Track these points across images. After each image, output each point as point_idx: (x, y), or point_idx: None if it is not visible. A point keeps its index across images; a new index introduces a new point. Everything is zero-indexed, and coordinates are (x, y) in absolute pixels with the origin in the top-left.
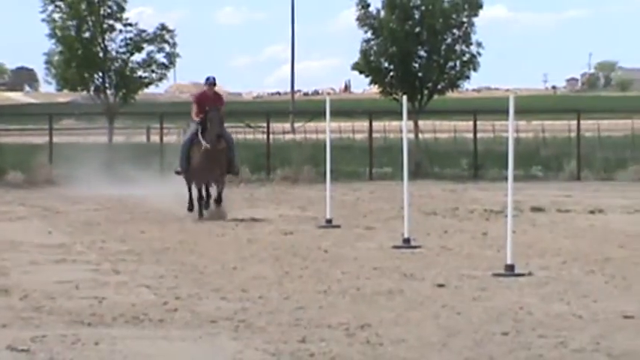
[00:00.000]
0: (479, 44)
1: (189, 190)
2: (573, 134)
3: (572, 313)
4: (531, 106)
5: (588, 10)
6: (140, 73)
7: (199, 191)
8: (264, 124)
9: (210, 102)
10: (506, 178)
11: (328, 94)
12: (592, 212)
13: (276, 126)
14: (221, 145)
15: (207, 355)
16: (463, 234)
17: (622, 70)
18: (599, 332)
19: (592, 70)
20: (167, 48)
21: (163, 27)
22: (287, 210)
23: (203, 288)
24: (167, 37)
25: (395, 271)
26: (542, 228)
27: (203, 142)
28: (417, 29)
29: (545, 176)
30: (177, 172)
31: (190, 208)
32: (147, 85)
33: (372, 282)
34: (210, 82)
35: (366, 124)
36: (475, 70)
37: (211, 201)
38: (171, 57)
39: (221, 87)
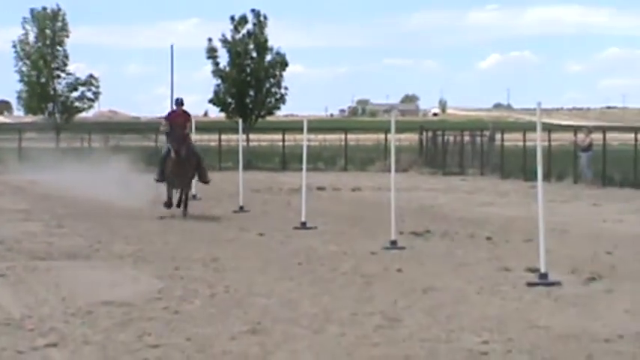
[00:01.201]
0: (286, 88)
1: (168, 192)
2: (343, 143)
3: (341, 251)
4: (318, 126)
5: (350, 68)
6: (77, 104)
7: (169, 194)
8: (154, 135)
9: (177, 118)
10: (302, 169)
11: (194, 118)
12: (353, 190)
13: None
14: (184, 157)
15: (116, 278)
16: (275, 203)
17: (372, 105)
18: (356, 262)
19: (354, 104)
20: (93, 88)
21: (91, 76)
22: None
23: (115, 236)
24: (93, 81)
25: (234, 226)
26: (323, 199)
27: (173, 155)
28: (249, 78)
29: (326, 168)
30: (156, 179)
31: (167, 206)
32: (80, 111)
33: (220, 233)
34: (179, 102)
35: (217, 135)
36: (284, 103)
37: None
38: (96, 94)
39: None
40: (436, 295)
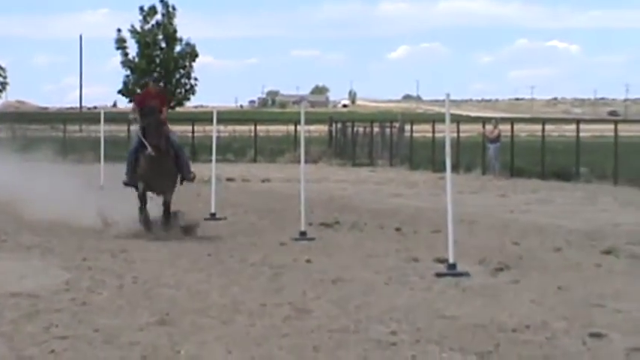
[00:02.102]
0: (195, 79)
1: (141, 202)
2: (252, 134)
3: (250, 242)
4: (228, 117)
5: (260, 59)
6: None
7: (143, 201)
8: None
9: (151, 100)
10: (211, 160)
11: (102, 108)
12: (263, 181)
13: (69, 128)
14: (163, 151)
15: (24, 269)
16: (185, 194)
17: (282, 96)
18: (265, 253)
19: (264, 95)
20: (0, 79)
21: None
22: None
23: (22, 228)
24: (0, 72)
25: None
26: (233, 190)
27: (148, 149)
28: (158, 69)
29: (235, 159)
30: (126, 184)
31: (147, 227)
32: None
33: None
34: (154, 79)
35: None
36: (193, 94)
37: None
38: (3, 84)
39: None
40: (345, 286)
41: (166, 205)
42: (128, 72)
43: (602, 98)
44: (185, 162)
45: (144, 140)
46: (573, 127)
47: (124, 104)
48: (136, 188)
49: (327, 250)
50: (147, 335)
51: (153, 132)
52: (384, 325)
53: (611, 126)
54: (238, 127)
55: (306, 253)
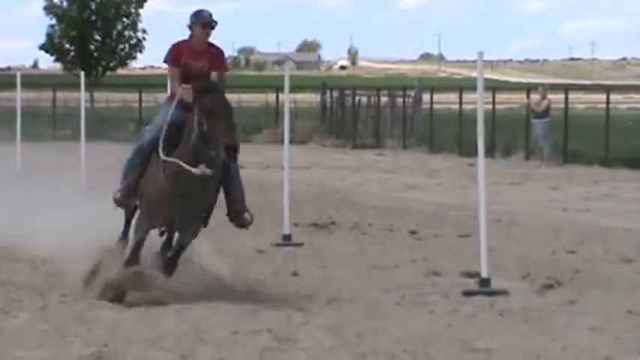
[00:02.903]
0: (144, 31)
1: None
2: None
3: (218, 249)
4: None
5: (230, 5)
6: None
7: (141, 240)
8: None
9: (197, 61)
10: None
11: (19, 70)
12: None
13: None
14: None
15: None
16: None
17: (259, 54)
18: (238, 264)
19: (235, 54)
20: None
21: None
22: None
23: None
24: None
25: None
26: None
27: (194, 170)
28: (94, 17)
29: None
30: (118, 201)
31: (129, 261)
32: None
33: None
34: (206, 22)
35: (51, 93)
36: (141, 52)
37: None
38: None
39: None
40: (343, 308)
41: (181, 248)
42: (53, 21)
43: None
44: (240, 191)
45: (191, 143)
46: None
47: (48, 64)
48: (129, 212)
49: (320, 260)
50: None
51: (218, 132)
52: None
53: None
54: None
55: (291, 263)
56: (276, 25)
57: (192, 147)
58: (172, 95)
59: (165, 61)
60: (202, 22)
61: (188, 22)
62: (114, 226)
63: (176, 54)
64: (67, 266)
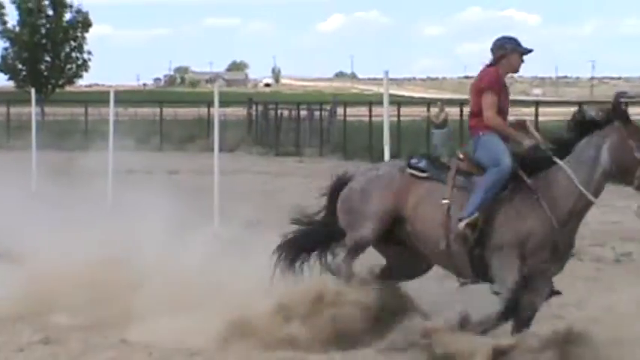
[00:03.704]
0: (89, 52)
1: None
2: (158, 117)
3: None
4: (129, 97)
5: (167, 30)
6: None
7: (513, 300)
8: None
9: (503, 93)
10: (108, 149)
11: None
12: (170, 173)
13: None
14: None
15: None
16: (75, 189)
17: (193, 73)
18: None
19: (172, 72)
20: None
21: None
22: None
23: None
24: None
25: None
26: (134, 185)
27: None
28: (44, 41)
29: (138, 147)
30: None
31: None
32: None
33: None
34: (525, 52)
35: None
36: (87, 71)
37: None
38: None
39: None
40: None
41: (536, 309)
42: (7, 44)
43: (565, 77)
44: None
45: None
46: (532, 110)
47: (2, 82)
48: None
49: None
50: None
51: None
52: None
53: (575, 109)
54: (141, 110)
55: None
56: (208, 46)
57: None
58: (480, 126)
59: (482, 86)
60: (522, 51)
61: (500, 46)
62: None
63: (499, 81)
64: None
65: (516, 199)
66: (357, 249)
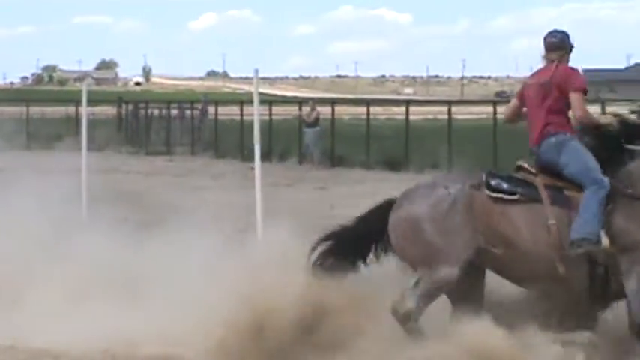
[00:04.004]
0: None
1: None
2: (24, 116)
3: None
4: None
5: (34, 27)
6: None
7: None
8: None
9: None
10: None
11: None
12: (38, 172)
13: None
14: None
15: None
16: None
17: (61, 71)
18: None
19: (39, 71)
20: None
21: None
22: None
23: None
24: None
25: None
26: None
27: None
28: None
29: (4, 146)
30: None
31: None
32: None
33: None
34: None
35: None
36: None
37: None
38: None
39: None
40: None
41: None
42: None
43: (436, 76)
44: None
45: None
46: (403, 109)
47: None
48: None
49: None
50: None
51: None
52: None
53: (445, 107)
54: (7, 109)
55: None
56: (77, 45)
57: None
58: (563, 126)
59: (582, 88)
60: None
61: (570, 43)
62: None
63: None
64: None
65: (618, 201)
66: (436, 292)
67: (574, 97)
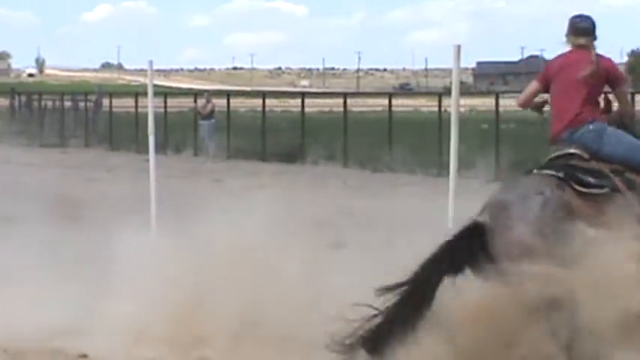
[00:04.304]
0: None
1: None
2: None
3: None
4: None
5: None
6: None
7: None
8: None
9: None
10: None
11: None
12: None
13: None
14: None
15: None
16: None
17: None
18: None
19: None
20: None
21: None
22: None
23: None
24: None
25: None
26: None
27: None
28: None
29: None
30: None
31: None
32: None
33: None
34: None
35: None
36: None
37: None
38: None
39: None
40: None
41: None
42: None
43: (332, 68)
44: None
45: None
46: (299, 101)
47: None
48: None
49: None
50: None
51: None
52: None
53: (341, 100)
54: None
55: None
56: None
57: None
58: (596, 116)
59: (625, 82)
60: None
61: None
62: None
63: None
64: None
65: None
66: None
67: (622, 92)
